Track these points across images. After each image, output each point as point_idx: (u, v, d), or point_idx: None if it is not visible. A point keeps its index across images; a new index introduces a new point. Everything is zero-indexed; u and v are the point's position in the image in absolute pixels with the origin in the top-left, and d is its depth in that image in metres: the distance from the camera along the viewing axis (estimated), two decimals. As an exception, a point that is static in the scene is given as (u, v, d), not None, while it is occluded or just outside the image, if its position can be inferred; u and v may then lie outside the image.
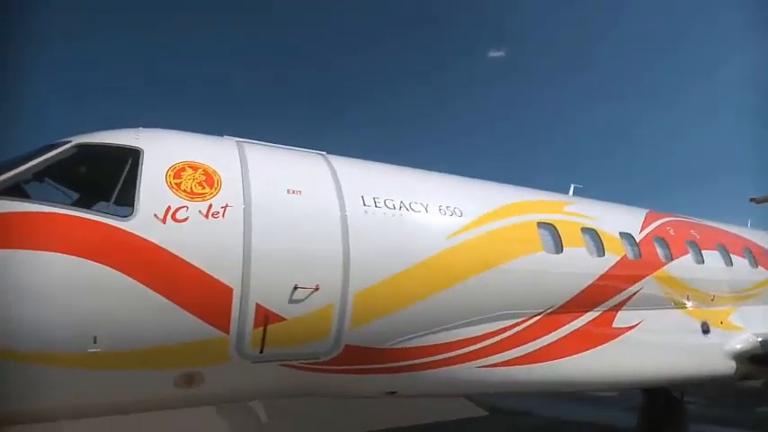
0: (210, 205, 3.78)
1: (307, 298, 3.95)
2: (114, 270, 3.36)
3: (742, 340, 7.56)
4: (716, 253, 7.83)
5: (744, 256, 8.39)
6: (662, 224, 7.46)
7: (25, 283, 3.19)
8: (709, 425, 10.52)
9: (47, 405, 3.55)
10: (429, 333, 4.70)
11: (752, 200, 21.34)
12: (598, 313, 5.91)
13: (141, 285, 3.42)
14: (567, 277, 5.60)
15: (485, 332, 5.02)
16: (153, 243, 3.52)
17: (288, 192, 4.13)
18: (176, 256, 3.56)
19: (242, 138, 4.70)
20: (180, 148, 4.08)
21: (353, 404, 13.17)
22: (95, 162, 3.98)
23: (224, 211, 3.81)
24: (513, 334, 5.20)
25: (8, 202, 3.31)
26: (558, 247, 5.62)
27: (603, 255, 6.06)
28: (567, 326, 5.59)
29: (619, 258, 6.20)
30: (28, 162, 3.67)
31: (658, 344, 6.55)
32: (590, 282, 5.77)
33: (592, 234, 6.12)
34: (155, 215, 3.57)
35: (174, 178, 3.79)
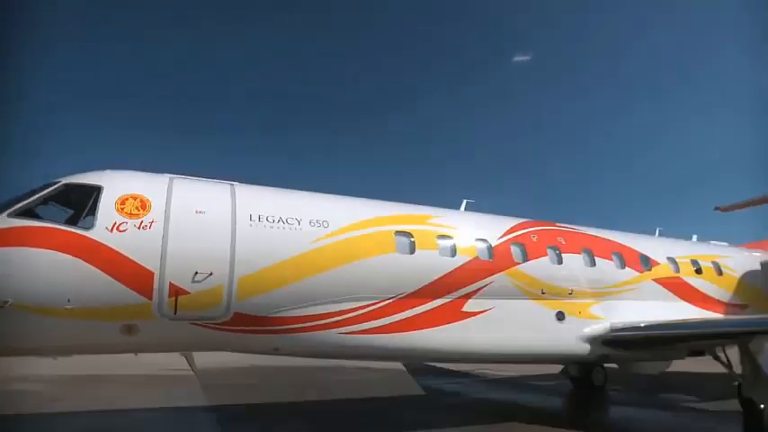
0: (142, 221, 6.09)
1: (204, 279, 6.19)
2: (81, 260, 5.69)
3: (598, 328, 9.29)
4: (578, 256, 9.60)
5: (611, 259, 10.11)
6: (527, 232, 9.35)
7: (32, 266, 5.56)
8: (624, 406, 12.10)
9: (43, 340, 5.91)
10: (301, 306, 6.86)
11: (716, 208, 22.69)
12: (447, 299, 7.88)
13: (97, 269, 5.73)
14: (415, 272, 7.64)
15: (347, 308, 7.13)
16: (105, 245, 5.84)
17: (195, 212, 6.41)
18: (119, 253, 5.87)
19: (181, 174, 7.08)
20: (127, 185, 6.42)
21: (309, 376, 15.60)
22: (75, 194, 6.33)
23: (151, 225, 6.11)
24: (370, 311, 7.29)
25: (22, 220, 5.71)
26: (411, 250, 7.69)
27: (455, 255, 8.07)
28: (416, 307, 7.61)
29: (470, 259, 8.19)
30: (35, 195, 6.08)
31: (508, 327, 8.41)
32: (438, 276, 7.77)
33: (447, 239, 8.14)
34: (106, 228, 5.90)
35: (120, 204, 6.12)
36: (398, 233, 7.76)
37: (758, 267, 13.14)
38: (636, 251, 10.72)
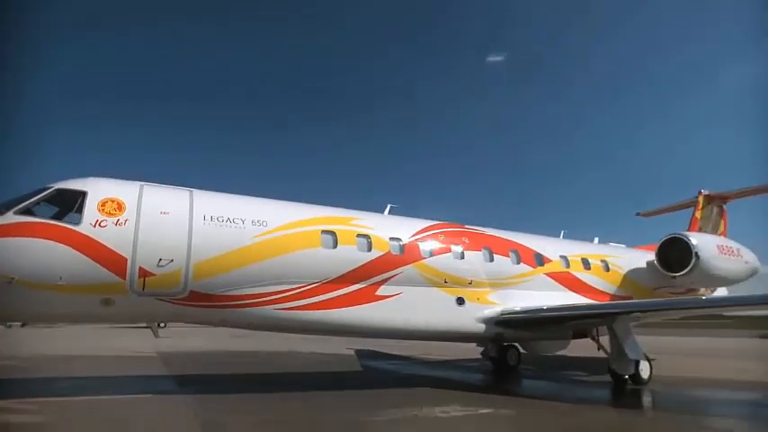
0: (118, 219, 7.96)
1: (167, 265, 8.10)
2: (70, 248, 7.53)
3: (493, 311, 11.53)
4: (479, 252, 11.84)
5: (508, 255, 12.40)
6: (436, 233, 11.54)
7: (33, 252, 7.37)
8: (529, 379, 14.27)
9: (39, 309, 7.73)
10: (243, 287, 8.82)
11: (637, 214, 25.65)
12: (363, 285, 9.98)
13: (83, 255, 7.58)
14: (337, 263, 9.70)
15: (279, 289, 9.14)
16: (89, 237, 7.69)
17: (161, 213, 8.31)
18: (100, 243, 7.73)
19: (151, 182, 8.97)
20: (106, 190, 8.26)
21: (265, 358, 17.61)
22: (65, 197, 8.12)
23: (125, 222, 7.99)
24: (298, 292, 9.31)
25: (25, 217, 7.51)
26: (334, 245, 9.75)
27: (371, 250, 10.17)
28: (336, 291, 9.67)
29: (383, 253, 10.31)
30: (34, 197, 7.86)
31: (414, 308, 10.52)
32: (355, 267, 9.86)
33: (365, 238, 10.23)
34: (90, 224, 7.75)
35: (101, 205, 7.97)
36: (324, 232, 9.81)
37: (643, 265, 15.74)
38: (531, 249, 13.05)
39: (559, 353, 14.71)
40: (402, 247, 10.68)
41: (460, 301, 11.23)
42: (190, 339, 29.10)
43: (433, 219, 12.36)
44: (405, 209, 12.57)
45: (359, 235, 10.24)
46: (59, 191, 8.11)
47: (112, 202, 8.10)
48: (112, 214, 7.97)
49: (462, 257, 11.50)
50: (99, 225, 7.80)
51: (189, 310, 8.66)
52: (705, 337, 38.10)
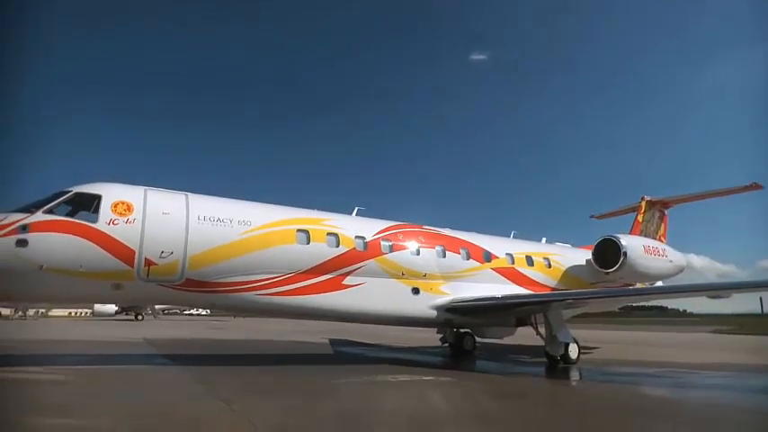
0: (128, 219, 9.71)
1: (167, 256, 9.88)
2: (89, 241, 9.28)
3: (444, 300, 13.52)
4: (433, 249, 13.83)
5: (459, 253, 14.41)
6: (396, 232, 13.49)
7: (59, 244, 9.08)
8: (480, 360, 16.28)
9: (63, 291, 9.46)
10: (231, 276, 10.62)
11: (592, 216, 28.04)
12: (331, 276, 11.86)
13: (99, 247, 9.32)
14: (309, 257, 11.57)
15: (261, 278, 10.97)
16: (104, 232, 9.43)
17: (162, 213, 10.08)
18: (113, 238, 9.48)
19: (153, 186, 10.74)
20: (117, 193, 9.99)
21: (244, 345, 19.48)
22: (83, 199, 9.83)
23: (134, 221, 9.74)
24: (277, 281, 11.15)
25: (52, 216, 9.22)
26: (307, 242, 11.62)
27: (339, 246, 12.06)
28: (309, 280, 11.54)
29: (349, 249, 12.21)
30: (57, 199, 9.56)
31: (375, 296, 12.43)
32: (325, 260, 11.74)
33: (333, 236, 12.12)
34: (105, 222, 9.49)
35: (114, 206, 9.71)
36: (299, 230, 11.67)
37: (583, 263, 17.94)
38: (480, 247, 15.10)
39: (507, 340, 16.71)
40: (366, 244, 12.59)
41: (416, 291, 13.18)
42: (170, 330, 30.66)
43: (395, 220, 14.32)
44: (372, 211, 14.49)
45: (329, 233, 12.11)
46: (78, 194, 9.80)
47: (123, 203, 9.84)
48: (123, 214, 9.71)
49: (418, 254, 13.46)
50: (112, 223, 9.54)
51: (184, 295, 10.45)
52: (665, 333, 40.73)
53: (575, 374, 12.10)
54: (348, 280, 12.11)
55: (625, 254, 16.68)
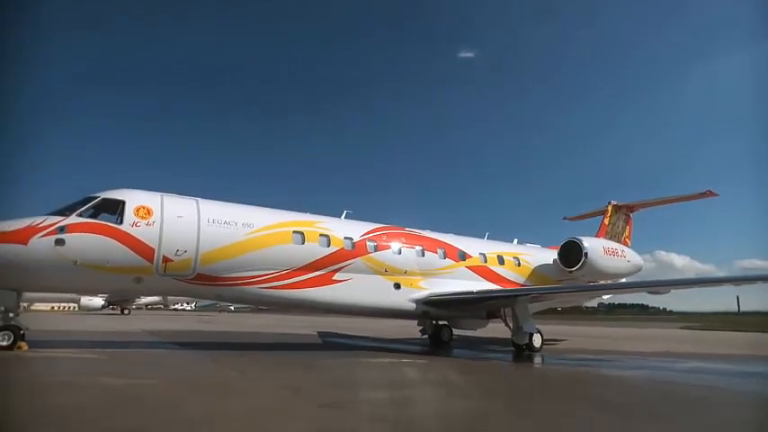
0: (149, 221, 11.24)
1: (182, 254, 11.43)
2: (116, 240, 10.80)
3: (422, 294, 15.20)
4: (412, 249, 15.54)
5: (436, 252, 16.15)
6: (380, 233, 15.17)
7: (90, 243, 10.57)
8: (455, 349, 18.03)
9: (92, 284, 10.99)
10: (236, 271, 12.19)
11: (564, 218, 29.98)
12: (323, 272, 13.50)
13: (124, 246, 10.84)
14: (304, 255, 13.19)
15: (262, 273, 12.56)
16: (128, 233, 10.95)
17: (177, 216, 11.62)
18: (136, 238, 11.00)
19: (168, 192, 12.26)
20: (139, 199, 11.50)
21: (240, 336, 21.00)
22: (109, 204, 11.32)
23: (153, 223, 11.27)
24: (276, 275, 12.75)
25: (84, 219, 10.71)
26: (302, 242, 13.25)
27: (329, 246, 13.71)
28: (304, 275, 13.16)
29: (339, 248, 13.86)
30: (87, 203, 11.04)
31: (361, 290, 14.09)
32: (317, 258, 13.37)
33: (325, 236, 13.76)
34: (129, 224, 11.01)
35: (136, 211, 11.23)
36: (294, 231, 13.29)
37: (551, 262, 19.83)
38: (456, 248, 16.86)
39: (483, 333, 18.49)
40: (353, 244, 14.25)
41: (397, 286, 14.88)
42: (162, 323, 31.88)
43: (380, 222, 16.01)
44: (360, 210, 16.17)
45: (321, 234, 13.75)
46: (105, 199, 11.28)
47: (143, 208, 11.35)
48: (144, 217, 11.23)
49: (400, 253, 15.16)
50: (135, 225, 11.05)
51: (195, 287, 12.01)
52: (637, 329, 42.68)
53: (536, 359, 13.87)
54: (338, 276, 13.75)
55: (586, 254, 18.59)
